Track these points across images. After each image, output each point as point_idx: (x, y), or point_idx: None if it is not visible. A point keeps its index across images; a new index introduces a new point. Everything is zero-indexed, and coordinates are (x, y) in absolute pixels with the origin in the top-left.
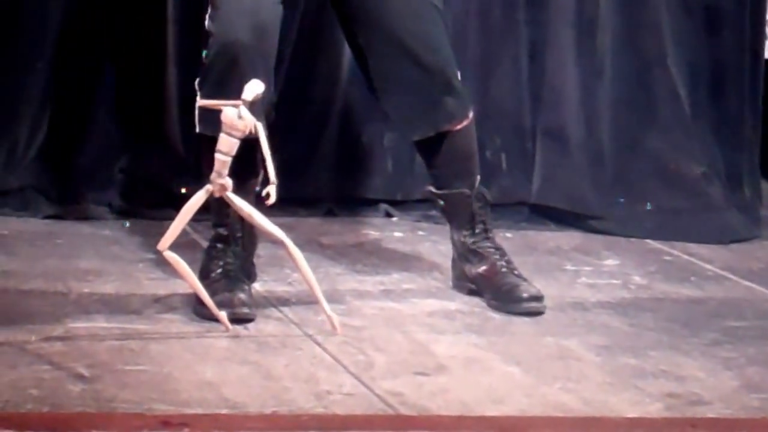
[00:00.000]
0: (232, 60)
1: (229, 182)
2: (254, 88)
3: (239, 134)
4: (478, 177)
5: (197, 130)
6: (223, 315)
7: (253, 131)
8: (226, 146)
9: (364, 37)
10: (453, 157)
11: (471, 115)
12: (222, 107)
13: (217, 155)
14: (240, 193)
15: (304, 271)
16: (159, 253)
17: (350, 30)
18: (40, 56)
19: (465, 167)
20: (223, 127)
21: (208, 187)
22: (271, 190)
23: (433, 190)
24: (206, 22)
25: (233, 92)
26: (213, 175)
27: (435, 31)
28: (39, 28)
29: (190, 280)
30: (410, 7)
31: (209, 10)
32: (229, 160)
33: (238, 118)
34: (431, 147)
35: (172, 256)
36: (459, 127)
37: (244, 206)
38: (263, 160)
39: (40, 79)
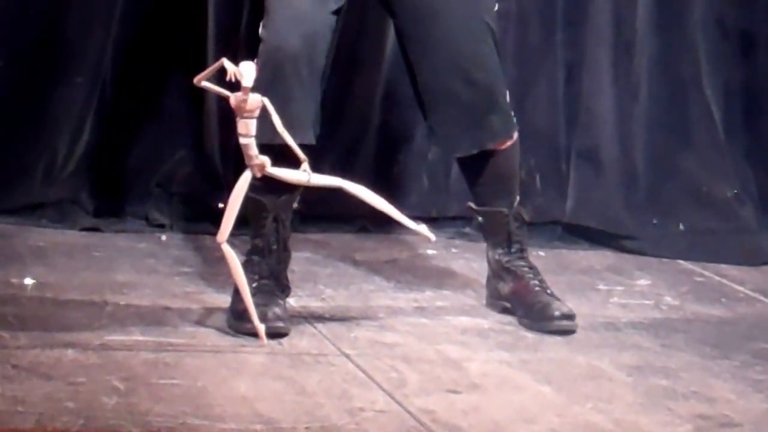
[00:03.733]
0: (278, 66)
1: (265, 159)
2: (250, 70)
3: (250, 114)
4: (518, 197)
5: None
6: (261, 327)
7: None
8: (244, 129)
9: (414, 51)
10: (494, 177)
11: (515, 135)
12: (228, 95)
13: (240, 140)
14: (281, 211)
15: (374, 202)
16: (218, 245)
17: (402, 44)
18: (80, 71)
19: (505, 187)
20: (236, 112)
21: (248, 171)
22: (306, 168)
23: (473, 206)
24: (260, 30)
25: (278, 99)
26: (247, 159)
27: (486, 49)
28: (80, 43)
29: (240, 280)
30: (462, 24)
31: (264, 18)
32: (252, 141)
33: (242, 100)
34: (473, 164)
35: (229, 251)
36: (503, 146)
37: (289, 174)
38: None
39: (80, 94)
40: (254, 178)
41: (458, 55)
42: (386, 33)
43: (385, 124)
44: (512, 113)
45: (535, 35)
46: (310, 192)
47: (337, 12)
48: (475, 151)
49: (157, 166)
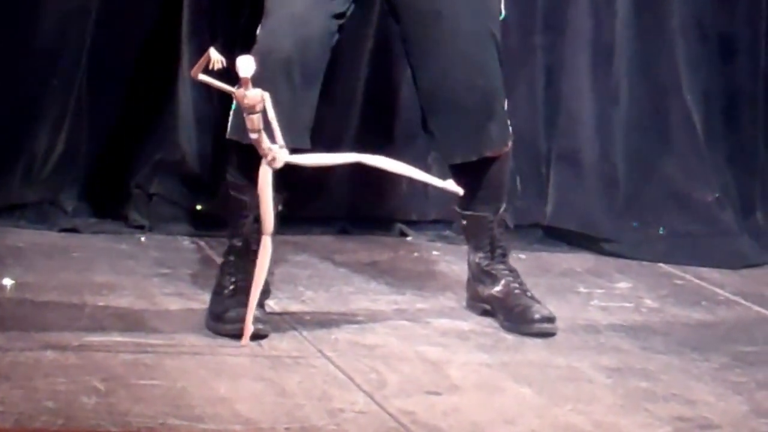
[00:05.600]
0: (268, 69)
1: (279, 150)
2: (248, 64)
3: (254, 109)
4: (504, 205)
5: (227, 135)
6: (251, 328)
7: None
8: (250, 124)
9: (416, 56)
10: (484, 183)
11: (510, 144)
12: (232, 91)
13: (250, 135)
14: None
15: (396, 168)
16: (260, 235)
17: (406, 49)
18: (56, 73)
19: (493, 194)
20: (242, 108)
21: (265, 164)
22: (279, 153)
23: (457, 209)
24: (258, 30)
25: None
26: (261, 153)
27: (488, 57)
28: (56, 45)
29: (259, 279)
30: (465, 30)
31: (263, 19)
32: (261, 135)
33: (244, 97)
34: (466, 170)
35: (267, 246)
36: (498, 154)
37: (311, 159)
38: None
39: (58, 96)
40: (244, 175)
41: (460, 60)
42: (366, 35)
43: (364, 128)
44: (509, 122)
45: (515, 39)
46: (290, 193)
47: (340, 16)
48: (473, 159)
49: (136, 167)
